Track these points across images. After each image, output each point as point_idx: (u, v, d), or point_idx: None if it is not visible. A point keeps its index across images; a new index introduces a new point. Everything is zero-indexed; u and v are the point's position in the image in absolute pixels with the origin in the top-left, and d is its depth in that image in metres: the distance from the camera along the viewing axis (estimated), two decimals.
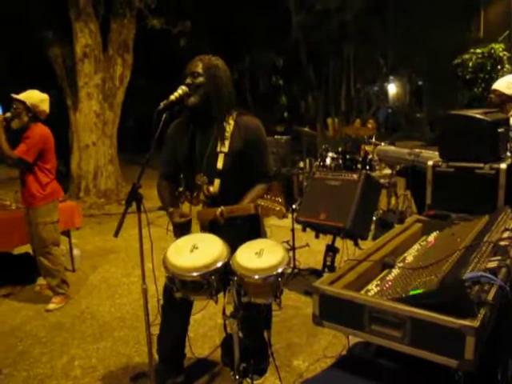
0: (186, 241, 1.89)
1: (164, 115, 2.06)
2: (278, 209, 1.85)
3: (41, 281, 4.07)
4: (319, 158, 5.49)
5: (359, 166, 5.30)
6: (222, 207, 2.02)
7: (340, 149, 5.46)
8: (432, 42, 14.48)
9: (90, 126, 7.65)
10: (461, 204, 2.39)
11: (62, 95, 8.19)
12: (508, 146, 2.62)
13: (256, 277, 1.71)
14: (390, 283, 1.72)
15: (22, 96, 3.58)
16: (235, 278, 1.75)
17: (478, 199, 2.35)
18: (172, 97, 2.09)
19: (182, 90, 2.11)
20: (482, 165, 2.34)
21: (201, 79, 2.13)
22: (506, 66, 14.93)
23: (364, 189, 3.40)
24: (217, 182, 2.16)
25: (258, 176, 2.22)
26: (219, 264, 1.75)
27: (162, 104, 2.06)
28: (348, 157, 5.37)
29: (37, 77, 8.53)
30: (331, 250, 3.69)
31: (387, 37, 12.86)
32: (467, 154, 2.42)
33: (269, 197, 1.90)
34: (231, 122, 2.20)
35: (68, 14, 7.48)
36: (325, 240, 4.06)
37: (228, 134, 2.17)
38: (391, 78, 16.51)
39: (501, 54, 14.86)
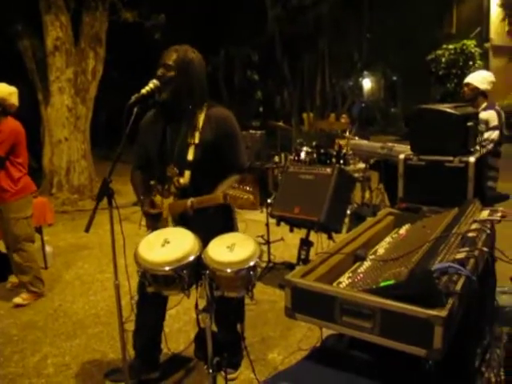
0: (157, 235, 1.88)
1: (135, 109, 2.03)
2: (245, 197, 1.85)
3: (12, 278, 3.98)
4: (294, 153, 5.52)
5: (333, 160, 5.33)
6: (192, 198, 2.03)
7: (314, 143, 5.48)
8: (406, 38, 14.70)
9: (62, 120, 7.49)
10: (432, 197, 2.43)
11: (32, 89, 7.99)
12: (478, 139, 2.68)
13: (228, 270, 1.71)
14: (361, 275, 1.75)
15: None
16: (207, 272, 1.74)
17: (448, 192, 2.40)
18: (143, 91, 2.08)
19: (153, 83, 2.10)
20: (451, 158, 2.39)
21: (172, 73, 2.13)
22: (478, 61, 15.29)
23: (337, 183, 3.43)
24: (187, 173, 2.15)
25: (231, 168, 2.22)
26: (191, 258, 1.74)
27: (132, 98, 2.05)
28: (322, 151, 5.41)
29: (5, 70, 8.32)
30: (305, 243, 3.72)
31: (362, 32, 12.97)
32: (438, 148, 2.46)
33: (237, 185, 1.90)
34: (202, 114, 2.20)
35: (38, 7, 7.28)
36: (299, 234, 4.09)
37: (199, 126, 2.17)
38: (366, 73, 16.69)
39: (472, 50, 15.22)
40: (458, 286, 1.50)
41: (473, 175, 2.33)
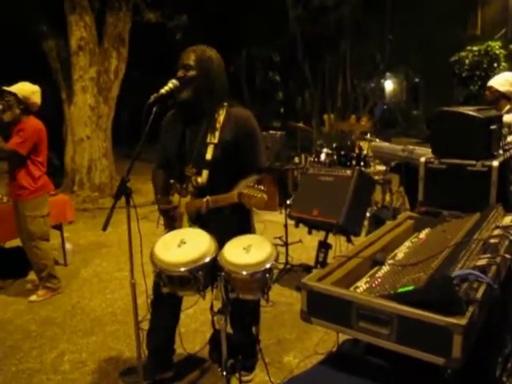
0: (174, 235, 1.88)
1: (154, 109, 2.04)
2: (259, 196, 1.84)
3: (32, 276, 4.05)
4: (314, 154, 5.48)
5: (354, 162, 5.28)
6: (208, 197, 2.03)
7: (334, 145, 5.44)
8: (429, 39, 14.46)
9: (85, 119, 7.59)
10: (453, 201, 2.38)
11: (56, 88, 8.13)
12: (501, 143, 2.61)
13: (244, 273, 1.70)
14: (379, 280, 1.71)
15: (13, 88, 3.54)
16: (222, 274, 1.73)
17: (469, 196, 2.34)
18: (162, 90, 2.07)
19: (172, 83, 2.09)
20: (474, 162, 2.33)
21: (192, 73, 2.12)
22: (503, 63, 14.94)
23: (357, 185, 3.39)
24: (205, 172, 2.15)
25: (249, 168, 2.20)
26: (206, 259, 1.74)
27: (152, 97, 2.05)
28: (342, 153, 5.36)
29: (30, 70, 8.48)
30: (324, 246, 3.68)
31: (384, 33, 12.82)
32: (460, 151, 2.41)
33: (251, 184, 1.89)
34: (222, 113, 2.18)
35: (63, 7, 7.41)
36: (318, 236, 4.05)
37: (218, 126, 2.15)
38: (388, 74, 16.50)
39: (497, 52, 14.88)
40: (479, 294, 1.46)
41: (496, 180, 2.27)
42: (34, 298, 3.76)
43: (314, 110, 12.02)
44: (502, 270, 1.66)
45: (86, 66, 7.51)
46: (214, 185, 2.15)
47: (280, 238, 4.37)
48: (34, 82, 3.72)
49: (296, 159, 6.60)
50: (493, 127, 2.43)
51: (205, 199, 2.03)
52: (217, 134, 2.14)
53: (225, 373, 1.81)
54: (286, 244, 4.26)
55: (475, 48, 14.79)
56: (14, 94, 3.52)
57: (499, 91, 3.42)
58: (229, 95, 2.30)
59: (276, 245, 4.74)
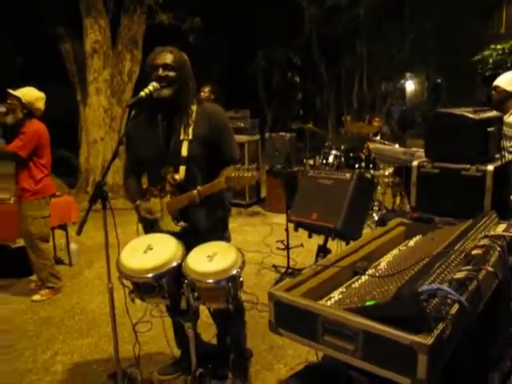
0: (142, 241, 1.86)
1: (133, 111, 2.04)
2: (249, 175, 1.88)
3: (36, 276, 4.09)
4: (322, 156, 5.39)
5: (363, 164, 5.17)
6: (199, 187, 2.06)
7: (343, 147, 5.34)
8: (451, 38, 14.13)
9: (98, 121, 7.68)
10: (446, 207, 2.27)
11: (72, 90, 8.26)
12: (502, 144, 2.49)
13: (207, 280, 1.66)
14: (353, 291, 1.64)
15: (18, 92, 3.60)
16: (186, 282, 1.69)
17: (463, 202, 2.23)
18: (142, 93, 2.10)
19: (152, 86, 2.11)
20: (468, 166, 2.22)
21: (173, 73, 2.16)
22: None
23: (356, 189, 3.29)
24: (182, 168, 2.16)
25: (226, 160, 2.24)
26: (170, 266, 1.71)
27: (131, 100, 2.07)
28: (351, 155, 5.25)
29: (48, 72, 8.64)
30: (323, 250, 3.60)
31: (403, 32, 12.57)
32: (454, 154, 2.30)
33: (238, 167, 1.96)
34: (194, 109, 2.24)
35: (79, 10, 7.51)
36: (320, 240, 3.97)
37: (191, 122, 2.20)
38: (409, 74, 16.19)
39: None
40: (453, 310, 1.38)
41: (491, 185, 2.15)
42: (37, 297, 3.81)
43: (329, 111, 11.87)
44: (484, 285, 1.57)
45: (100, 68, 7.59)
46: (192, 180, 2.17)
47: (282, 241, 4.31)
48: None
49: (310, 161, 6.50)
50: (490, 129, 2.31)
51: (195, 190, 2.05)
52: (190, 129, 2.18)
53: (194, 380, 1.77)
54: (287, 248, 4.19)
55: (499, 46, 14.38)
56: (19, 98, 3.57)
57: (506, 91, 3.27)
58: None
59: (278, 248, 4.73)
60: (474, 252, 1.64)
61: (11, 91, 3.61)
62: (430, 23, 12.47)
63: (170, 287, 1.71)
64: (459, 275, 1.50)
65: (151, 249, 1.75)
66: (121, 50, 7.81)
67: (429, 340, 1.23)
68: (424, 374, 1.25)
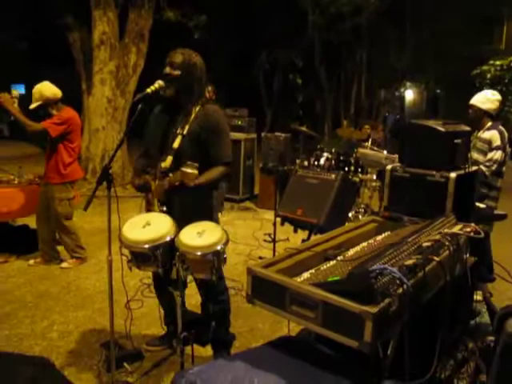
0: (141, 218, 2.13)
1: (139, 106, 2.28)
2: (189, 171, 2.12)
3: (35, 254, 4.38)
4: (314, 158, 5.65)
5: (352, 167, 5.44)
6: (170, 176, 2.30)
7: (333, 149, 5.60)
8: (451, 51, 14.44)
9: (101, 110, 7.92)
10: (414, 208, 2.54)
11: (78, 79, 8.49)
12: (469, 155, 2.76)
13: (196, 253, 1.92)
14: (320, 273, 1.91)
15: (35, 100, 3.88)
16: (178, 254, 1.95)
17: (429, 204, 2.51)
18: (148, 90, 2.33)
19: (158, 84, 2.34)
20: (434, 172, 2.49)
21: (177, 72, 2.38)
22: None
23: (340, 188, 3.56)
24: (169, 158, 2.39)
25: (214, 160, 2.43)
26: (164, 239, 1.98)
27: (138, 95, 2.30)
28: (342, 158, 5.52)
29: (55, 60, 8.86)
30: None
31: (403, 43, 12.86)
32: (424, 161, 2.57)
33: (189, 163, 2.18)
34: (197, 109, 2.44)
35: (88, 2, 7.74)
36: (304, 235, 4.23)
37: (190, 119, 2.41)
38: (409, 84, 16.49)
39: None
40: (399, 290, 1.64)
41: (452, 190, 2.42)
42: (65, 265, 4.26)
43: (326, 115, 12.15)
44: (432, 273, 1.83)
45: (106, 59, 7.83)
46: (176, 171, 2.33)
47: (269, 235, 4.57)
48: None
49: (305, 162, 6.75)
50: (457, 141, 2.58)
51: (167, 178, 2.30)
52: (187, 126, 2.40)
53: (179, 344, 2.03)
54: (273, 241, 4.45)
55: (498, 62, 14.72)
56: (42, 105, 3.90)
57: (481, 109, 3.54)
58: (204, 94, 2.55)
59: (265, 241, 4.99)
60: (425, 244, 1.91)
61: (33, 107, 3.89)
62: (430, 35, 12.74)
63: (163, 258, 1.97)
64: (409, 262, 1.77)
65: (149, 224, 2.02)
66: (127, 43, 8.04)
67: (374, 309, 1.50)
68: (369, 338, 1.51)
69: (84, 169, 8.09)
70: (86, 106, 8.17)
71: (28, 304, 3.51)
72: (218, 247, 1.95)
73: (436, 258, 1.84)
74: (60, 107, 3.96)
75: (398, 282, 1.66)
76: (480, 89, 15.02)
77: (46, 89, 3.91)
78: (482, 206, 3.24)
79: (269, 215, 6.12)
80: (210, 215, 2.44)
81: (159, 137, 2.47)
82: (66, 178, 4.04)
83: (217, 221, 2.50)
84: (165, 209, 2.33)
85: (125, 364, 2.64)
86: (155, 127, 2.53)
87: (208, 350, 2.77)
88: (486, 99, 3.54)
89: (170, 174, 2.32)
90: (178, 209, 2.30)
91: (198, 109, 2.44)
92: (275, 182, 5.24)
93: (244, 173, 7.11)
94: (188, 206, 2.31)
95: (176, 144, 2.38)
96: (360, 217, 5.62)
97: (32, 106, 3.90)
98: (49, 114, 3.92)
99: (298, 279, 1.84)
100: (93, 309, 3.49)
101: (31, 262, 4.25)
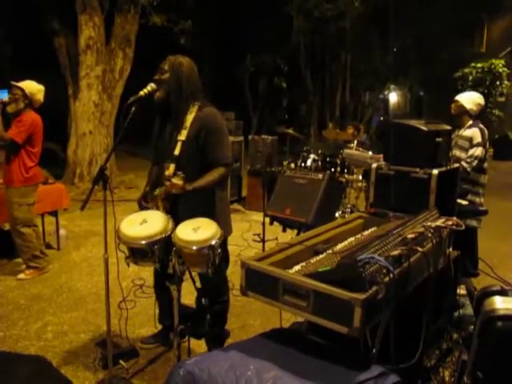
0: (138, 215, 2.20)
1: (132, 108, 2.34)
2: (174, 181, 2.23)
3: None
4: (300, 159, 5.75)
5: (338, 168, 5.55)
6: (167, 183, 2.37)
7: (320, 151, 5.70)
8: (434, 54, 14.72)
9: (88, 115, 7.94)
10: (398, 204, 2.66)
11: (63, 84, 8.50)
12: (450, 153, 2.88)
13: (192, 247, 2.00)
14: (311, 265, 2.00)
15: (21, 84, 3.88)
16: (174, 249, 2.03)
17: (412, 200, 2.62)
18: (141, 92, 2.40)
19: (150, 86, 2.41)
20: (417, 169, 2.60)
21: (166, 75, 2.45)
22: (505, 82, 15.16)
23: (327, 187, 3.67)
24: (172, 166, 2.43)
25: (214, 162, 2.47)
26: (161, 236, 2.05)
27: (131, 98, 2.36)
28: (328, 159, 5.62)
29: (40, 65, 8.85)
30: None
31: (386, 46, 13.10)
32: (407, 159, 2.68)
33: (178, 173, 2.27)
34: (193, 112, 2.46)
35: (74, 6, 7.77)
36: (293, 234, 4.33)
37: (188, 124, 2.44)
38: (393, 86, 16.77)
39: (500, 70, 15.09)
40: (386, 279, 1.74)
41: (435, 186, 2.54)
42: (21, 276, 4.10)
43: (312, 117, 12.31)
44: (416, 263, 1.93)
45: (92, 64, 7.86)
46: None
47: (258, 235, 4.65)
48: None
49: (292, 165, 6.86)
50: (439, 140, 2.70)
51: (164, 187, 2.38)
52: (185, 131, 2.43)
53: (176, 337, 2.10)
54: (263, 241, 4.53)
55: (479, 65, 15.03)
56: (22, 90, 3.85)
57: (464, 107, 3.67)
58: (204, 97, 2.60)
59: (254, 241, 5.07)
60: (409, 236, 2.01)
61: (15, 83, 3.89)
62: (413, 38, 13.00)
63: (160, 253, 2.04)
64: (395, 252, 1.87)
65: (146, 222, 2.09)
66: (114, 48, 8.09)
67: (363, 296, 1.59)
68: (359, 323, 1.60)
69: (72, 173, 8.11)
70: (73, 110, 8.18)
71: (21, 306, 3.54)
72: (213, 242, 2.03)
73: (420, 249, 1.94)
74: (27, 111, 3.90)
75: (384, 270, 1.76)
76: (462, 91, 15.30)
77: (38, 91, 3.94)
78: (463, 202, 3.36)
79: (257, 216, 6.21)
80: (212, 216, 2.44)
81: (161, 145, 2.54)
82: (28, 181, 3.95)
83: (225, 220, 2.53)
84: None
85: (121, 361, 2.69)
86: (157, 137, 2.60)
87: (203, 348, 2.84)
88: (471, 100, 3.68)
89: (167, 183, 2.37)
90: (182, 212, 2.32)
91: (194, 112, 2.46)
92: (263, 183, 5.33)
93: (232, 175, 7.19)
94: (191, 209, 2.36)
95: (177, 151, 2.42)
96: (346, 217, 5.73)
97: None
98: (16, 112, 3.85)
99: (290, 271, 1.93)
100: (86, 310, 3.53)
101: (21, 275, 4.10)
